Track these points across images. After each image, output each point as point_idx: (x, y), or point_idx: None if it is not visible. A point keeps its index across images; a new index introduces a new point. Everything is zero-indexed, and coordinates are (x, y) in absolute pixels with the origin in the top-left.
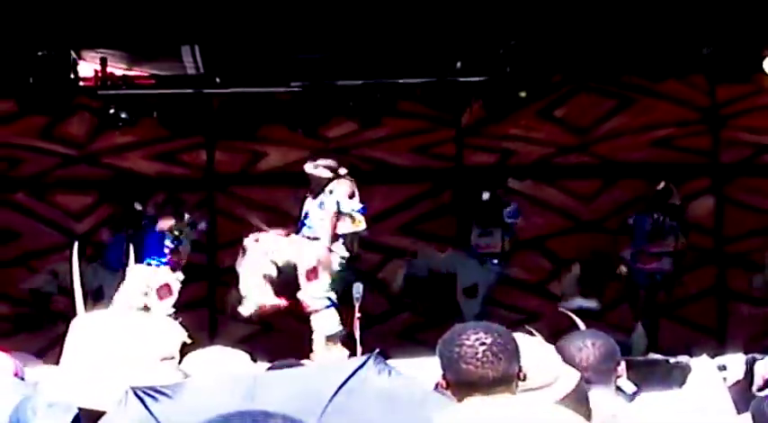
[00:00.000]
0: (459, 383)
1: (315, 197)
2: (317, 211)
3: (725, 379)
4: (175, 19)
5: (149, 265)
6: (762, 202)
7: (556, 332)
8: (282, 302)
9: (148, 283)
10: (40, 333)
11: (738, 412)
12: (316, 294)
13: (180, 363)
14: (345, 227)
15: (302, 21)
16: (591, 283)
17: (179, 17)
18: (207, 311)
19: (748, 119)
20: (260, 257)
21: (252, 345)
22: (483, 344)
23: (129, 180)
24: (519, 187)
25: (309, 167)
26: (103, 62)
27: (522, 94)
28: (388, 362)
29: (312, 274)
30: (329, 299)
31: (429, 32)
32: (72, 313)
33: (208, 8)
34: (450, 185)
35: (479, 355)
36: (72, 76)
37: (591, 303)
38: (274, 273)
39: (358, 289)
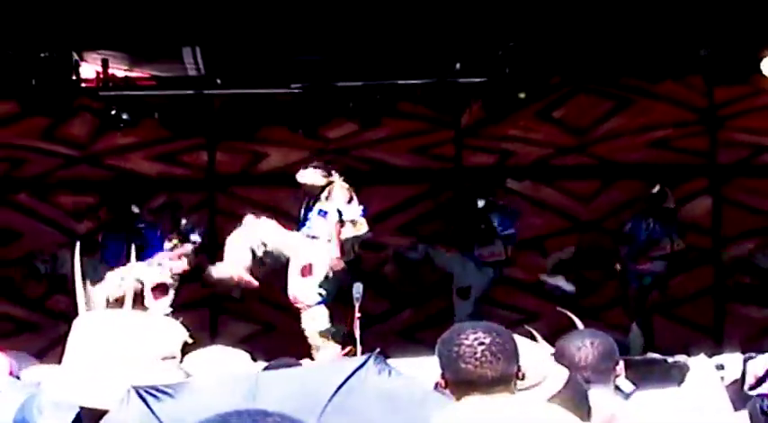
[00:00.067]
0: (458, 383)
1: (313, 202)
2: (318, 218)
3: (722, 378)
4: (176, 20)
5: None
6: (759, 202)
7: (555, 332)
8: (254, 283)
9: (123, 275)
10: (42, 333)
11: (735, 410)
12: (308, 291)
13: (181, 362)
14: (348, 232)
15: (302, 22)
16: (578, 269)
17: (180, 19)
18: (207, 311)
19: (746, 120)
20: (254, 234)
21: (252, 344)
22: (482, 343)
23: (131, 181)
24: (518, 188)
25: (302, 176)
26: (105, 63)
27: (522, 96)
28: (388, 361)
29: (306, 270)
30: (320, 296)
31: (428, 34)
32: (74, 313)
33: (209, 10)
34: (450, 186)
35: (478, 355)
36: (74, 77)
37: (569, 287)
38: (260, 252)
39: (358, 289)
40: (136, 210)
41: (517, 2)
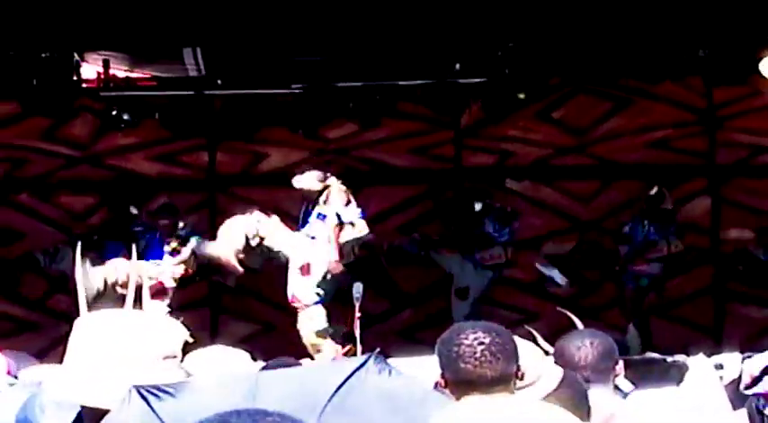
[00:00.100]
0: (458, 382)
1: (312, 206)
2: (317, 221)
3: (721, 378)
4: (177, 21)
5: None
6: (758, 202)
7: (554, 332)
8: (239, 269)
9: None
10: (43, 333)
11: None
12: (306, 290)
13: (181, 362)
14: (348, 235)
15: (302, 23)
16: (577, 269)
17: (181, 20)
18: (208, 311)
19: (744, 120)
20: (253, 223)
21: (252, 344)
22: (481, 343)
23: (131, 181)
24: (517, 188)
25: (298, 182)
26: (106, 64)
27: (521, 96)
28: (388, 361)
29: (305, 270)
30: (318, 295)
31: (428, 35)
32: (75, 313)
33: (209, 11)
34: (450, 186)
35: (477, 355)
36: (75, 77)
37: (562, 280)
38: (254, 242)
39: (358, 289)
40: (134, 211)
41: (516, 3)
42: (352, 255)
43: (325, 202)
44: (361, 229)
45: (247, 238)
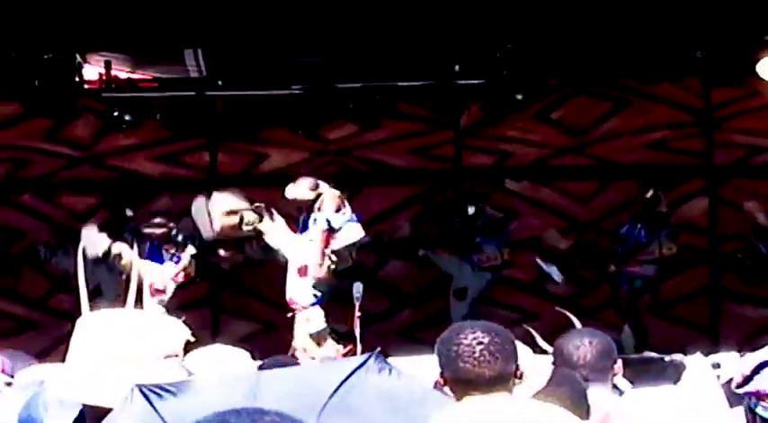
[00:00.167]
0: (457, 381)
1: (308, 214)
2: (314, 226)
3: (719, 377)
4: (178, 23)
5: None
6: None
7: (553, 331)
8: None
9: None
10: (45, 332)
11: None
12: (303, 292)
13: (182, 361)
14: (342, 240)
15: (302, 24)
16: (575, 270)
17: (182, 21)
18: (209, 311)
19: (742, 121)
20: (254, 214)
21: (253, 343)
22: (480, 343)
23: (133, 181)
24: (516, 188)
25: (289, 192)
26: (108, 65)
27: (519, 97)
28: (388, 360)
29: (302, 271)
30: (315, 296)
31: (427, 36)
32: (77, 313)
33: (210, 12)
34: (449, 187)
35: (476, 355)
36: (77, 78)
37: (559, 278)
38: (246, 228)
39: (358, 288)
40: (129, 213)
41: (515, 4)
42: (350, 259)
43: (319, 210)
44: (354, 234)
45: (241, 220)
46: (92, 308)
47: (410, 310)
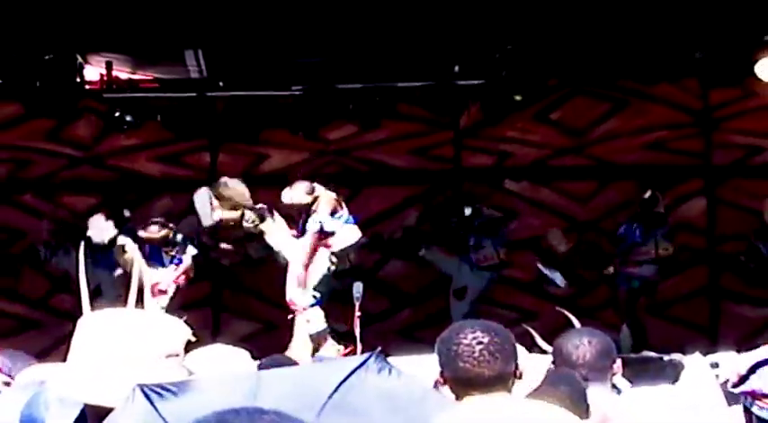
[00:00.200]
0: (456, 381)
1: (307, 217)
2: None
3: (717, 376)
4: (179, 24)
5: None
6: (753, 202)
7: (552, 331)
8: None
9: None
10: (47, 331)
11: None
12: (303, 293)
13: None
14: (340, 242)
15: (303, 25)
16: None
17: (183, 22)
18: (210, 311)
19: (740, 121)
20: (256, 214)
21: (253, 343)
22: (480, 343)
23: (134, 182)
24: (516, 188)
25: (285, 197)
26: (109, 66)
27: (517, 98)
28: (388, 360)
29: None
30: (315, 298)
31: (427, 37)
32: (78, 312)
33: (211, 13)
34: (449, 187)
35: (476, 354)
36: (78, 79)
37: (562, 282)
38: (247, 224)
39: (358, 288)
40: (127, 214)
41: (514, 5)
42: (348, 262)
43: (314, 212)
44: (351, 235)
45: (242, 216)
46: (93, 308)
47: (410, 309)
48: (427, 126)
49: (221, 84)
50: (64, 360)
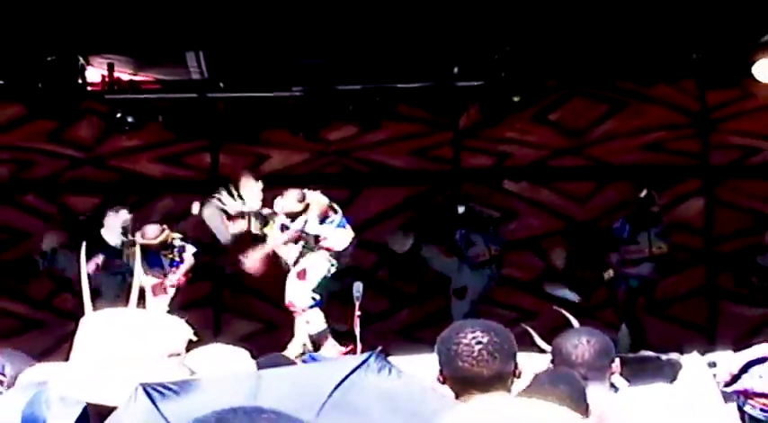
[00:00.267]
0: (456, 380)
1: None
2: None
3: (715, 375)
4: (180, 25)
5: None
6: (750, 203)
7: (551, 330)
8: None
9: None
10: (49, 331)
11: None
12: (301, 295)
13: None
14: (332, 246)
15: (303, 27)
16: (573, 271)
17: (184, 24)
18: (211, 310)
19: (737, 122)
20: (259, 218)
21: (254, 343)
22: (479, 343)
23: (135, 182)
24: (515, 189)
25: (278, 206)
26: (110, 67)
27: (516, 99)
28: (388, 359)
29: (301, 275)
30: (314, 299)
31: (427, 38)
32: (80, 312)
33: (212, 15)
34: (449, 187)
35: (475, 354)
36: (80, 81)
37: (574, 297)
38: (255, 228)
39: (358, 288)
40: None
41: (513, 7)
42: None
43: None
44: (343, 239)
45: (249, 223)
46: (94, 308)
47: (410, 309)
48: (427, 127)
49: (222, 85)
50: (66, 359)
